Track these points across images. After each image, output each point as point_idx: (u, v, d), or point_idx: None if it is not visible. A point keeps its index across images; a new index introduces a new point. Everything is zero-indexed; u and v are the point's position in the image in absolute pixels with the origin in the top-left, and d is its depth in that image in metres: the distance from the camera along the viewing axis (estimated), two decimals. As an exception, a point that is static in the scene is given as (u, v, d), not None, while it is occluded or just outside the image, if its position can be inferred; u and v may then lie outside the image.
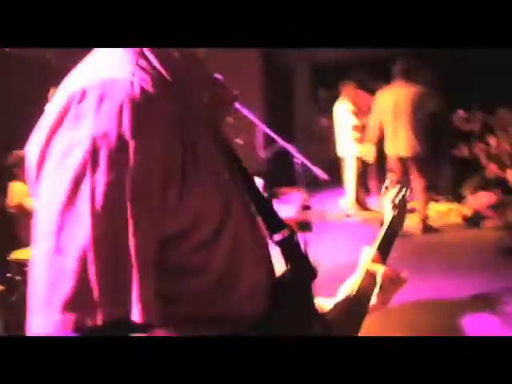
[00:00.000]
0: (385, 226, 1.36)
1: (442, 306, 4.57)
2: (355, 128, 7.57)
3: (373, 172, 8.09)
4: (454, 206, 7.73)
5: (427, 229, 6.87)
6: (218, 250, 0.86)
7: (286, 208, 3.75)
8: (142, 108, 0.76)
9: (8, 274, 3.99)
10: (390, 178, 7.01)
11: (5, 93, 4.85)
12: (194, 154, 0.82)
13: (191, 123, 0.85)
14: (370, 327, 1.24)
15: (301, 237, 1.06)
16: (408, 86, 6.51)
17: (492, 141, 8.56)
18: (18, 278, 3.90)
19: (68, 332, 0.72)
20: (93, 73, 0.82)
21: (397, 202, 1.43)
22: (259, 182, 3.82)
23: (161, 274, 0.80)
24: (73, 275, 0.72)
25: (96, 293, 0.72)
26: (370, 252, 1.27)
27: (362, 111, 7.51)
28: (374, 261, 1.24)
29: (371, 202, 7.92)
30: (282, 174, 4.14)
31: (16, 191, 4.43)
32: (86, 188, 0.73)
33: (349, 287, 1.23)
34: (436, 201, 7.81)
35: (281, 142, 3.24)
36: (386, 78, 7.82)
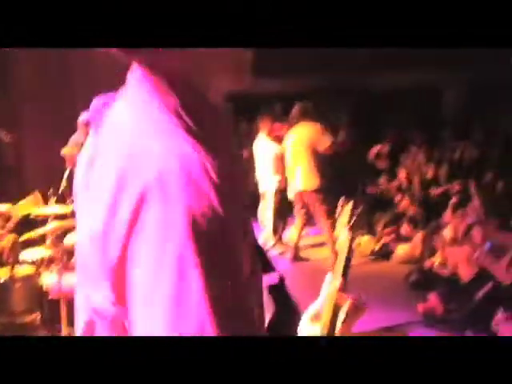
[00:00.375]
0: (344, 251, 1.35)
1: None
2: (272, 162, 7.75)
3: (288, 206, 8.29)
4: (365, 238, 8.02)
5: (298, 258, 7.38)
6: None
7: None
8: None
9: None
10: (296, 211, 7.26)
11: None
12: None
13: None
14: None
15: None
16: (309, 125, 6.80)
17: (403, 176, 8.98)
18: None
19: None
20: (149, 151, 0.82)
21: (352, 224, 1.42)
22: None
23: None
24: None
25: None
26: (334, 280, 1.28)
27: (279, 144, 7.69)
28: (340, 289, 1.26)
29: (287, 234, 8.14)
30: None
31: None
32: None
33: (313, 315, 1.25)
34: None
35: None
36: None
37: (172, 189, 0.77)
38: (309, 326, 1.23)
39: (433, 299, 5.09)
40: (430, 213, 7.45)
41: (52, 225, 4.58)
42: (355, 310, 1.25)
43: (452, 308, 4.97)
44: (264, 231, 8.11)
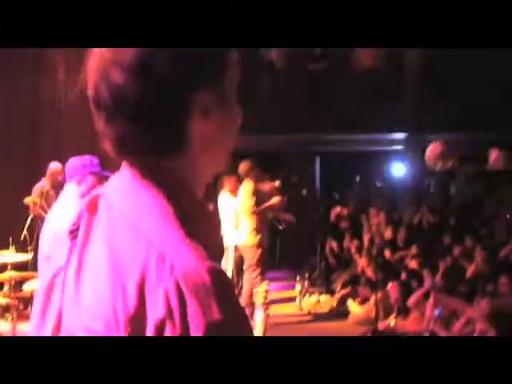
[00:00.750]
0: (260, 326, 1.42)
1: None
2: (232, 217, 7.87)
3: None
4: (325, 298, 8.13)
5: None
6: None
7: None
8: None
9: None
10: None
11: None
12: None
13: None
14: None
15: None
16: (254, 183, 7.01)
17: (364, 237, 9.17)
18: None
19: None
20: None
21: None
22: None
23: None
24: None
25: None
26: None
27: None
28: None
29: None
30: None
31: None
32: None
33: None
34: (310, 293, 8.18)
35: None
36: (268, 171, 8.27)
37: (198, 298, 0.87)
38: None
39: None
40: (387, 275, 7.60)
41: (9, 273, 4.59)
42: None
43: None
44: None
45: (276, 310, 7.80)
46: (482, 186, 10.07)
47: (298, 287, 8.11)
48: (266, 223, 7.09)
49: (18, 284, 4.63)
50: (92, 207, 1.04)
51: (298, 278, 8.20)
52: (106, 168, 3.11)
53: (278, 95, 10.75)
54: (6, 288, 4.75)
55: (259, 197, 6.97)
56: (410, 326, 5.68)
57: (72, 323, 1.01)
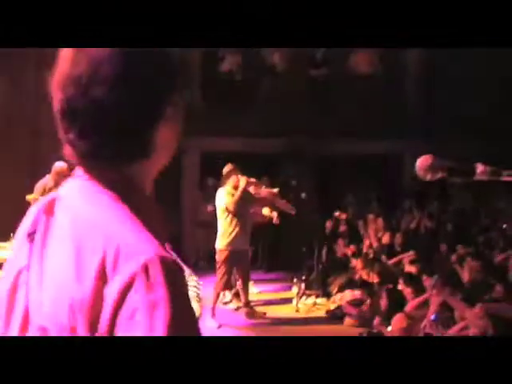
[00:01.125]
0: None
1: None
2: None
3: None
4: (321, 301, 8.19)
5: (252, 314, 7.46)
6: None
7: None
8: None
9: None
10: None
11: None
12: None
13: None
14: None
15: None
16: (233, 185, 7.11)
17: (365, 241, 9.23)
18: None
19: None
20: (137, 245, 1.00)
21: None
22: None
23: None
24: None
25: None
26: None
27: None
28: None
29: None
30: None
31: None
32: None
33: None
34: (307, 296, 8.24)
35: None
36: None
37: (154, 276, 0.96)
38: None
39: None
40: (384, 279, 7.65)
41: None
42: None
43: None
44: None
45: (273, 310, 7.86)
46: (471, 197, 10.23)
47: (295, 289, 8.16)
48: (244, 226, 7.18)
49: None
50: (49, 210, 1.12)
51: (294, 280, 8.26)
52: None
53: (277, 98, 10.81)
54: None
55: (246, 199, 7.02)
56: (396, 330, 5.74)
57: (38, 321, 1.07)
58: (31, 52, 7.70)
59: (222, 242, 7.14)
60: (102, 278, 0.98)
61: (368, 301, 7.09)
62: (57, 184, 6.91)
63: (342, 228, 9.92)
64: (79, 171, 1.11)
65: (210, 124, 9.84)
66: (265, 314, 7.65)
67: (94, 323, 0.97)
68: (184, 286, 1.02)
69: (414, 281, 6.80)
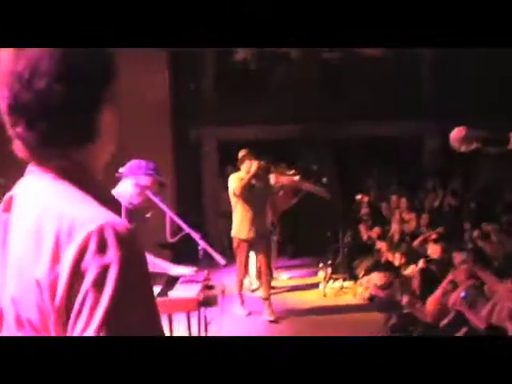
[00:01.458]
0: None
1: None
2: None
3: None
4: (348, 284, 8.18)
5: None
6: None
7: (191, 287, 4.01)
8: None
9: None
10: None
11: None
12: None
13: None
14: None
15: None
16: (247, 170, 6.98)
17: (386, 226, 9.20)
18: None
19: None
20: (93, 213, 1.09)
21: None
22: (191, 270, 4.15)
23: None
24: None
25: None
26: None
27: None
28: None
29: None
30: (187, 256, 4.44)
31: None
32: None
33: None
34: (334, 279, 8.24)
35: (187, 229, 3.79)
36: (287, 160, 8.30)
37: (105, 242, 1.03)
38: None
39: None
40: (409, 260, 7.63)
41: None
42: None
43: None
44: (249, 275, 8.22)
45: (300, 296, 7.87)
46: (504, 168, 10.02)
47: (322, 274, 8.16)
48: (259, 212, 7.04)
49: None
50: (7, 207, 1.21)
51: (320, 265, 8.26)
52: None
53: (291, 84, 10.77)
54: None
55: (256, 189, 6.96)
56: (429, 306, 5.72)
57: (10, 315, 1.13)
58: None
59: (235, 230, 7.09)
60: (59, 250, 1.05)
61: (396, 282, 7.06)
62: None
63: (365, 211, 9.89)
64: (30, 168, 1.19)
65: (223, 114, 9.83)
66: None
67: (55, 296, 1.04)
68: (138, 252, 1.08)
69: (438, 262, 6.79)
